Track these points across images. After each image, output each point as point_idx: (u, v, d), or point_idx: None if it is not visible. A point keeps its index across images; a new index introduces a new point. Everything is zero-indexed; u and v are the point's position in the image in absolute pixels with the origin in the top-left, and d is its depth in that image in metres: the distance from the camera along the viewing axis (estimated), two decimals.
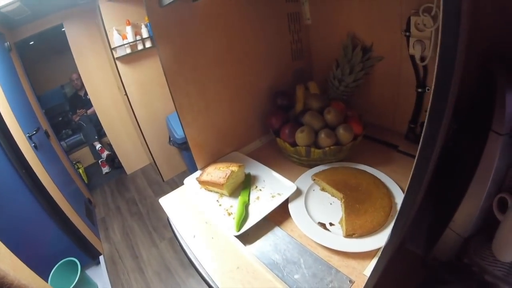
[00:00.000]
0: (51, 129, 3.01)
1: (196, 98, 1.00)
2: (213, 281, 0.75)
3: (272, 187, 0.96)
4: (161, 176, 3.22)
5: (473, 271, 0.60)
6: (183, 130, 1.02)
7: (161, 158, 3.04)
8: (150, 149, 3.01)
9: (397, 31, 0.92)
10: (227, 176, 0.93)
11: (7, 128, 1.72)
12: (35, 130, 2.17)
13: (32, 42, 3.43)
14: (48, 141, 2.58)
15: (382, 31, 0.98)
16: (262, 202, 0.91)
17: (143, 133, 2.92)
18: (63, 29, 2.86)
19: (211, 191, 1.02)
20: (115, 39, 2.46)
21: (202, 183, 1.02)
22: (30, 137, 2.04)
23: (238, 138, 1.20)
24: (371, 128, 1.10)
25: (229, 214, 0.89)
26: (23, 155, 1.79)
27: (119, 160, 3.55)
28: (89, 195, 3.17)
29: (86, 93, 3.29)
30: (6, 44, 2.45)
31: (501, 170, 0.55)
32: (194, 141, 1.05)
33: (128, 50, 2.53)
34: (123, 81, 2.66)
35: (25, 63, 3.03)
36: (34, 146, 2.05)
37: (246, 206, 0.90)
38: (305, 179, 0.97)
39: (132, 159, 3.58)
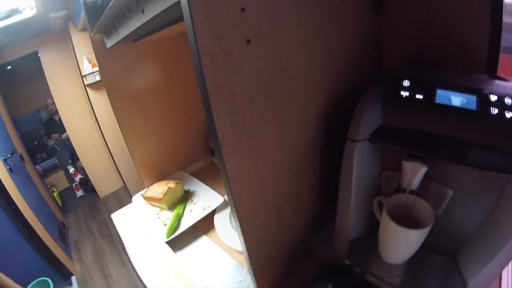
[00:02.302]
0: (26, 153, 3.04)
1: (139, 124, 1.14)
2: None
3: (205, 201, 1.09)
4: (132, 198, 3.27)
5: (354, 271, 0.65)
6: (129, 152, 1.15)
7: (132, 181, 3.09)
8: (121, 173, 3.07)
9: None
10: (164, 192, 1.07)
11: None
12: (10, 154, 2.22)
13: (9, 67, 3.50)
14: (23, 165, 2.63)
15: None
16: (194, 213, 1.04)
17: (114, 158, 3.00)
18: (39, 55, 2.97)
19: (154, 205, 1.14)
20: (85, 67, 2.60)
21: (146, 199, 1.15)
22: (5, 160, 2.10)
23: (183, 159, 1.33)
24: None
25: (165, 225, 1.01)
26: None
27: (92, 184, 3.60)
28: (62, 218, 3.20)
29: (60, 118, 3.39)
30: None
31: (371, 174, 0.62)
32: (139, 162, 1.19)
33: (98, 78, 2.65)
34: (93, 107, 2.77)
35: (2, 87, 3.10)
36: (9, 169, 2.10)
37: (179, 217, 1.02)
38: None
39: (104, 182, 3.63)
